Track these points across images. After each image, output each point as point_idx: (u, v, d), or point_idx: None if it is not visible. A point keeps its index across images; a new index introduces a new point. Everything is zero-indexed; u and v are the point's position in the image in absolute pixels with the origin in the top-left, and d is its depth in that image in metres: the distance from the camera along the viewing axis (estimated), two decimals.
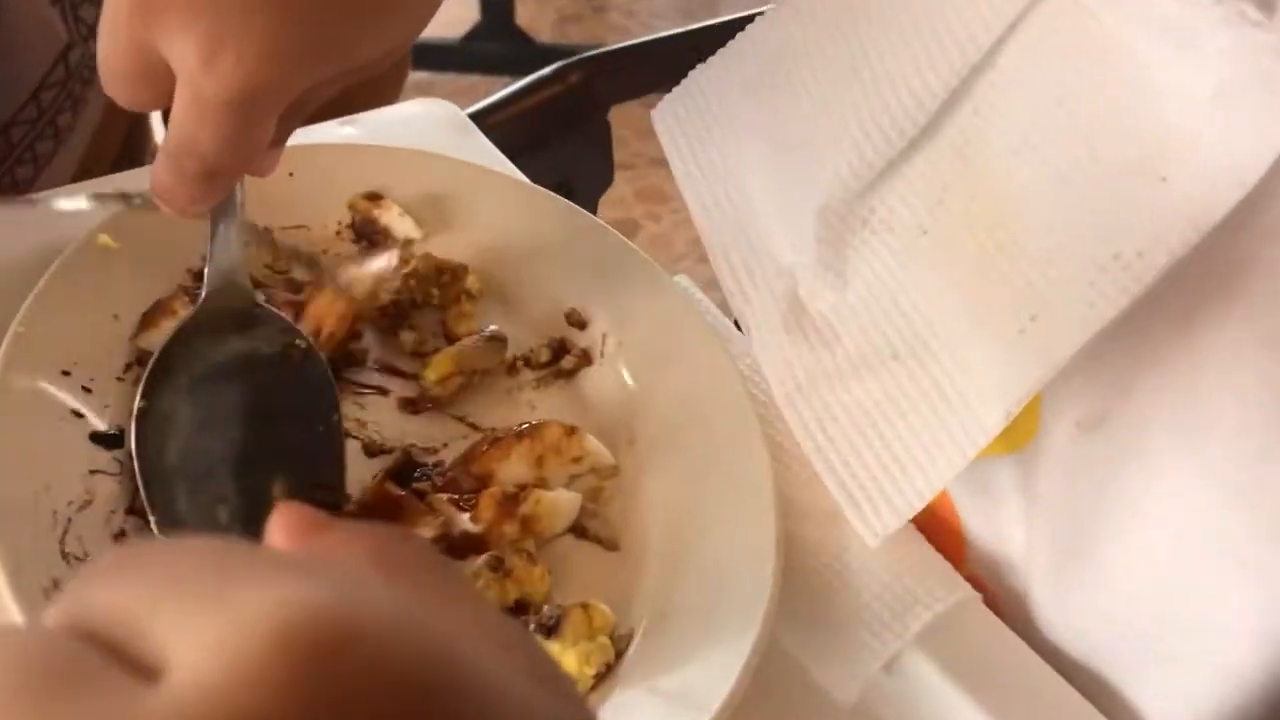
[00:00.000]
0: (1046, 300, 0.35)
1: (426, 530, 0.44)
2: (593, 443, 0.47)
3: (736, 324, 0.49)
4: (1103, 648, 0.41)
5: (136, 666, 0.16)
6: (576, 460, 0.47)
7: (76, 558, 0.39)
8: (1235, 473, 0.36)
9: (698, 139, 0.47)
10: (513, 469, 0.46)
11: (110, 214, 0.47)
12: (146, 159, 0.84)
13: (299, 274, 0.52)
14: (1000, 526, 0.43)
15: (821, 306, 0.42)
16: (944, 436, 0.38)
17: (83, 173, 0.73)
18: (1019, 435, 0.40)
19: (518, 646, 0.19)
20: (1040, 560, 0.41)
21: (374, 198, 0.55)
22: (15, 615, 0.36)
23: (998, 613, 0.44)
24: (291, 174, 0.50)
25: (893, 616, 0.41)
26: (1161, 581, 0.38)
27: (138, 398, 0.42)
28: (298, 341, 0.46)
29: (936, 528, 0.45)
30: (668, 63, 0.84)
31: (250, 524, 0.42)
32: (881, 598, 0.41)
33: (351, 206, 0.55)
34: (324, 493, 0.44)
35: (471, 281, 0.53)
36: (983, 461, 0.40)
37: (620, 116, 0.76)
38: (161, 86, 0.36)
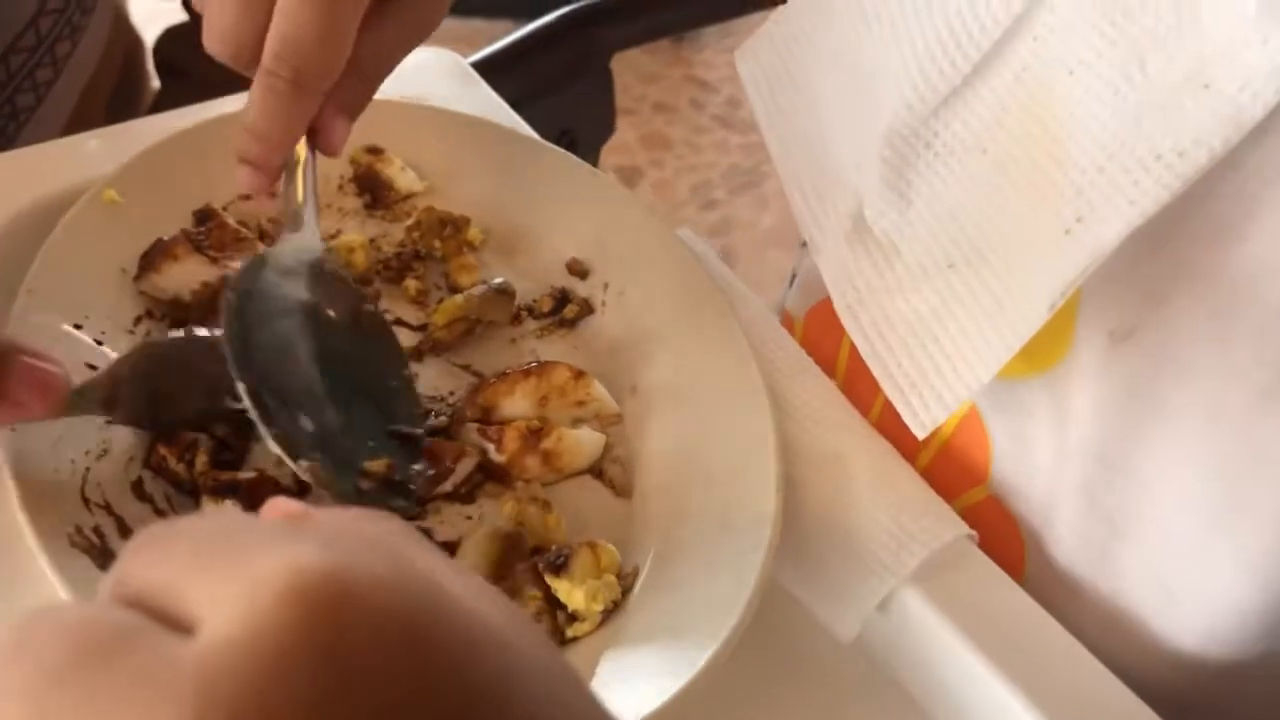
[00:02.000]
0: (1092, 202, 0.37)
1: (469, 461, 0.45)
2: (599, 389, 0.48)
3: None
4: (1131, 557, 0.43)
5: (175, 625, 0.19)
6: (580, 405, 0.48)
7: (97, 504, 0.41)
8: (1246, 395, 0.38)
9: (777, 79, 0.50)
10: (516, 405, 0.47)
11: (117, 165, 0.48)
12: (142, 104, 0.84)
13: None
14: (1027, 442, 0.45)
15: (884, 224, 0.44)
16: (992, 334, 0.40)
17: (83, 105, 0.73)
18: (1051, 355, 0.42)
19: (493, 591, 0.22)
20: (1070, 473, 0.43)
21: (375, 151, 0.55)
22: (40, 559, 0.37)
23: (1014, 535, 0.46)
24: None
25: (890, 556, 0.42)
26: (1192, 493, 0.40)
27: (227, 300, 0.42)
28: (366, 306, 0.47)
29: (963, 449, 0.47)
30: (671, 9, 0.84)
31: (346, 457, 0.43)
32: (878, 538, 0.43)
33: (353, 160, 0.55)
34: (406, 429, 0.45)
35: (474, 233, 0.54)
36: (1015, 381, 0.43)
37: (623, 62, 0.76)
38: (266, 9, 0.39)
